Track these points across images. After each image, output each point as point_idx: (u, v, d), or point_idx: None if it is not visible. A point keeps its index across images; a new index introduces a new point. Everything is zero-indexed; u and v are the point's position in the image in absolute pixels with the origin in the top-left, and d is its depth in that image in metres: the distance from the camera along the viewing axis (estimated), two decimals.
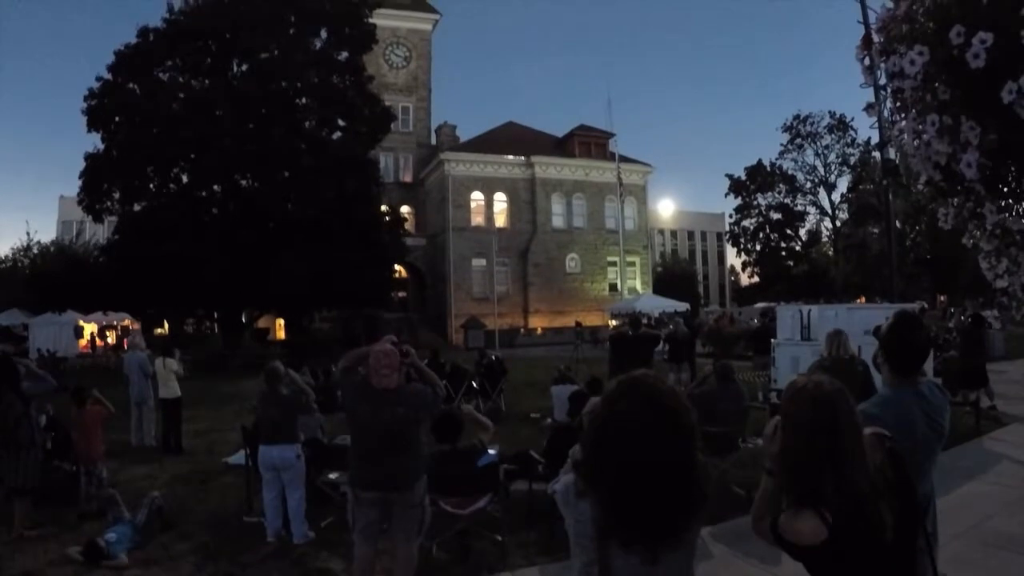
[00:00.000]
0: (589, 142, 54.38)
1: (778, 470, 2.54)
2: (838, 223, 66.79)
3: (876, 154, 42.44)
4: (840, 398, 2.44)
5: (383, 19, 47.69)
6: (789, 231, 70.66)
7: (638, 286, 53.46)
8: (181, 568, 7.19)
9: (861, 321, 15.87)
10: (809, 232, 71.55)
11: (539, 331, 48.91)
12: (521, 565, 6.97)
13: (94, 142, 34.97)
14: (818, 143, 65.83)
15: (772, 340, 17.26)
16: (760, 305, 49.64)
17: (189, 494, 9.87)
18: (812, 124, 65.42)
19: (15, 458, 7.55)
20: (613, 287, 53.17)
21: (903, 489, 2.51)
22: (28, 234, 57.16)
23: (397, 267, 44.81)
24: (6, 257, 56.85)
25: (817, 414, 2.41)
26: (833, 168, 65.96)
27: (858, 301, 49.39)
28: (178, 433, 13.01)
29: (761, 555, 6.47)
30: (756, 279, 74.36)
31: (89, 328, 39.79)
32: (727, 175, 70.51)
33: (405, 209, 51.85)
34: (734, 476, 8.89)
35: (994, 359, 21.20)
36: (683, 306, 42.14)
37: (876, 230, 57.66)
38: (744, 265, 75.20)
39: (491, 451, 7.77)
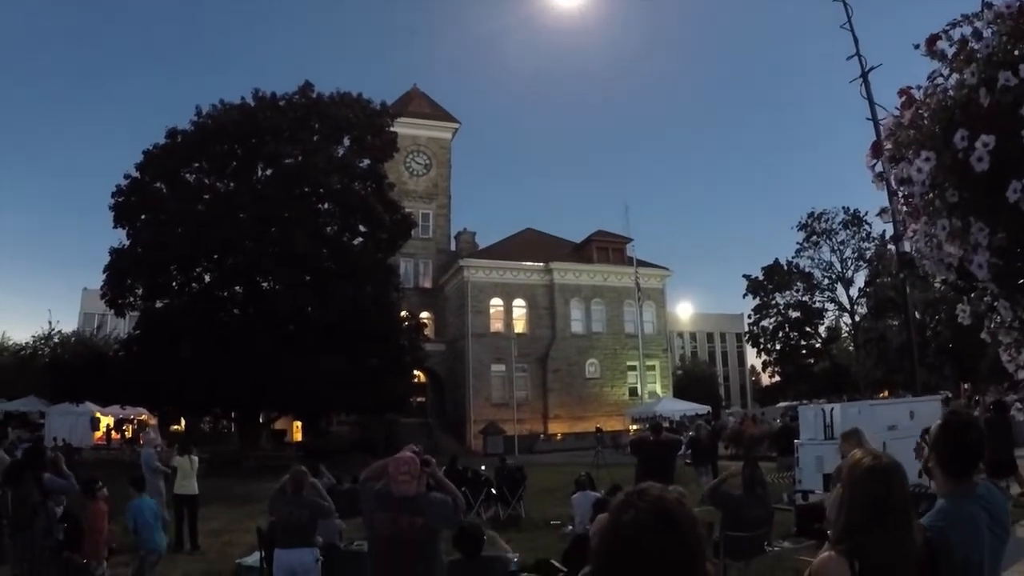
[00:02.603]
0: (607, 247, 54.78)
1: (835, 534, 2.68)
2: (857, 318, 66.30)
3: (892, 247, 42.46)
4: (895, 469, 2.63)
5: (404, 128, 48.93)
6: (808, 328, 70.18)
7: (658, 390, 53.03)
8: None
9: (883, 417, 15.75)
10: (828, 329, 71.02)
11: (559, 436, 48.41)
12: None
13: (119, 237, 35.81)
14: (833, 239, 65.78)
15: (795, 440, 17.04)
16: (782, 405, 49.17)
17: None
18: (827, 220, 65.49)
19: (28, 547, 7.53)
20: (633, 391, 52.79)
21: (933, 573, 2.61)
22: (50, 323, 57.57)
23: (416, 372, 44.76)
24: (27, 344, 57.44)
25: (873, 482, 2.59)
26: (849, 263, 65.77)
27: (881, 395, 48.78)
28: (194, 530, 12.94)
29: None
30: (777, 378, 73.65)
31: (106, 420, 39.85)
32: (744, 276, 70.47)
33: (425, 315, 52.04)
34: None
35: (1020, 445, 20.85)
36: (704, 409, 41.80)
37: (895, 323, 57.22)
38: (764, 365, 74.50)
39: (512, 557, 7.66)
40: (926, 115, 2.95)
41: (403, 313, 40.71)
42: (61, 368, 37.56)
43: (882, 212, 3.59)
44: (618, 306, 53.87)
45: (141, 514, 9.54)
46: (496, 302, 51.88)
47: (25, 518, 7.54)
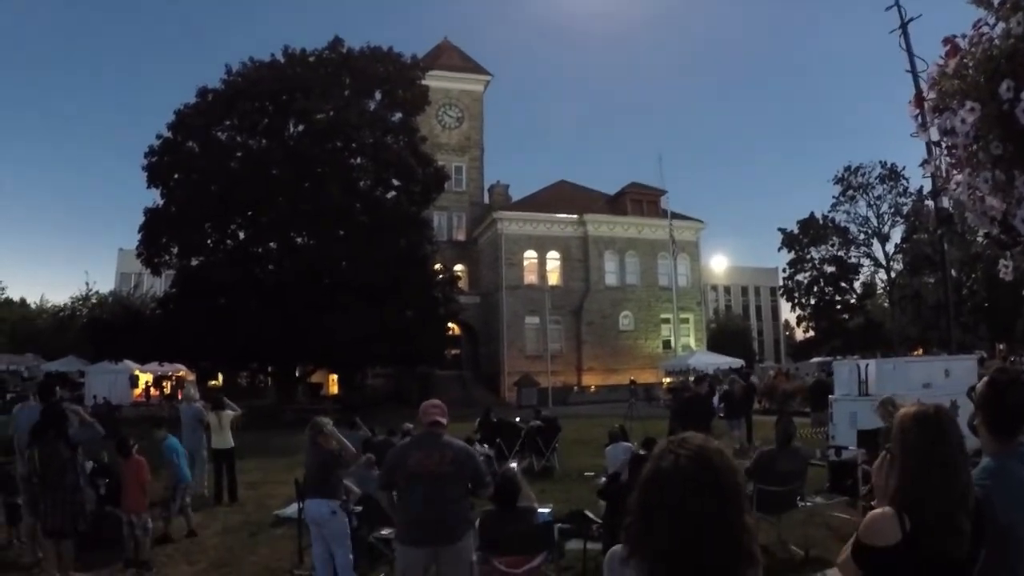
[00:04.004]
0: (641, 199, 54.35)
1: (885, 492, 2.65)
2: (892, 274, 65.51)
3: (929, 203, 41.73)
4: (946, 417, 2.60)
5: (436, 81, 48.68)
6: (843, 284, 69.52)
7: (692, 343, 52.90)
8: None
9: (918, 374, 15.64)
10: (864, 284, 70.35)
11: (592, 389, 48.59)
12: None
13: (154, 197, 36.15)
14: (870, 194, 64.75)
15: (830, 396, 16.96)
16: (815, 360, 48.87)
17: (240, 545, 9.95)
18: (863, 175, 64.43)
19: (59, 501, 7.69)
20: (667, 344, 52.71)
21: (977, 531, 2.54)
22: (87, 284, 58.56)
23: (450, 325, 44.97)
24: (65, 306, 58.55)
25: (925, 431, 2.56)
26: (886, 219, 64.78)
27: (915, 353, 48.38)
28: (233, 483, 13.15)
29: None
30: (811, 333, 73.21)
31: (144, 378, 40.54)
32: (780, 229, 69.81)
33: (458, 267, 52.24)
34: (791, 536, 8.73)
35: None
36: (738, 362, 41.66)
37: (931, 280, 56.53)
38: (799, 320, 74.09)
39: (544, 510, 7.73)
40: (971, 65, 2.88)
41: (437, 266, 40.89)
42: (99, 328, 38.10)
43: (924, 163, 3.52)
44: (652, 259, 53.67)
45: (169, 451, 9.88)
46: (530, 254, 51.91)
47: (55, 475, 7.69)
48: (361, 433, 13.08)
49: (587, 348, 51.18)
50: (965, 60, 2.91)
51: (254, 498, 13.30)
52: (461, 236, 57.09)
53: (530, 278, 51.70)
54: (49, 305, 63.42)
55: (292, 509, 10.20)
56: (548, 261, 52.40)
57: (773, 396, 29.73)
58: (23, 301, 65.39)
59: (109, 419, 10.70)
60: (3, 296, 62.40)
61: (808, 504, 9.18)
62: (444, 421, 5.82)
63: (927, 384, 14.68)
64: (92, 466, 9.72)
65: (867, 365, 16.20)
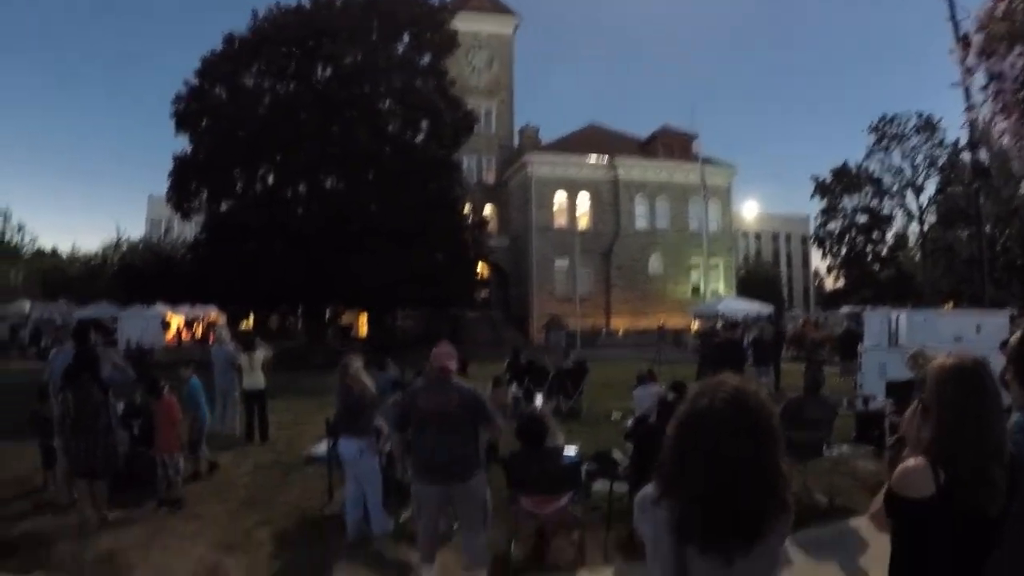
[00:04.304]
0: (672, 144, 53.71)
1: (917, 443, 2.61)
2: (925, 226, 64.50)
3: (966, 155, 40.94)
4: (983, 368, 2.55)
5: (464, 23, 48.18)
6: (875, 234, 68.67)
7: (721, 289, 52.59)
8: (260, 554, 7.39)
9: (949, 328, 15.51)
10: (896, 235, 69.32)
11: (621, 333, 48.61)
12: (599, 564, 6.96)
13: (182, 144, 36.28)
14: (905, 144, 63.52)
15: (859, 346, 16.88)
16: (845, 309, 48.50)
17: (271, 483, 10.12)
18: (899, 125, 63.12)
19: (92, 443, 7.85)
20: (696, 290, 52.46)
21: (1012, 486, 2.49)
22: (118, 232, 59.18)
23: (480, 266, 45.04)
24: (96, 254, 59.18)
25: (961, 381, 2.51)
26: (921, 170, 63.49)
27: (946, 307, 47.93)
28: (264, 423, 13.31)
29: (840, 562, 6.36)
30: (841, 283, 72.59)
31: (176, 321, 40.95)
32: (812, 177, 68.87)
33: (488, 210, 52.15)
34: (817, 484, 8.75)
35: None
36: (768, 308, 41.45)
37: (965, 234, 55.70)
38: (829, 269, 73.44)
39: (571, 450, 7.79)
40: (1020, 8, 2.81)
41: (466, 209, 40.78)
42: (131, 275, 38.41)
43: (968, 109, 3.46)
44: (683, 203, 53.19)
45: (192, 392, 10.12)
46: (560, 197, 51.70)
47: (88, 418, 7.82)
48: (391, 374, 13.19)
49: (616, 292, 51.15)
50: (1014, 3, 2.84)
51: (285, 438, 13.45)
52: (491, 179, 56.98)
53: (560, 221, 51.56)
54: (80, 253, 64.19)
55: (322, 448, 10.33)
56: (578, 204, 52.15)
57: (802, 344, 29.55)
58: (54, 251, 66.23)
59: (141, 363, 10.78)
60: (34, 246, 63.10)
61: (834, 453, 9.19)
62: (453, 366, 6.16)
63: (958, 338, 14.55)
64: (124, 407, 9.91)
65: (898, 316, 16.09)
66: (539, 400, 9.77)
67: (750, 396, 2.26)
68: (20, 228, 59.80)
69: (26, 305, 45.32)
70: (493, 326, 46.60)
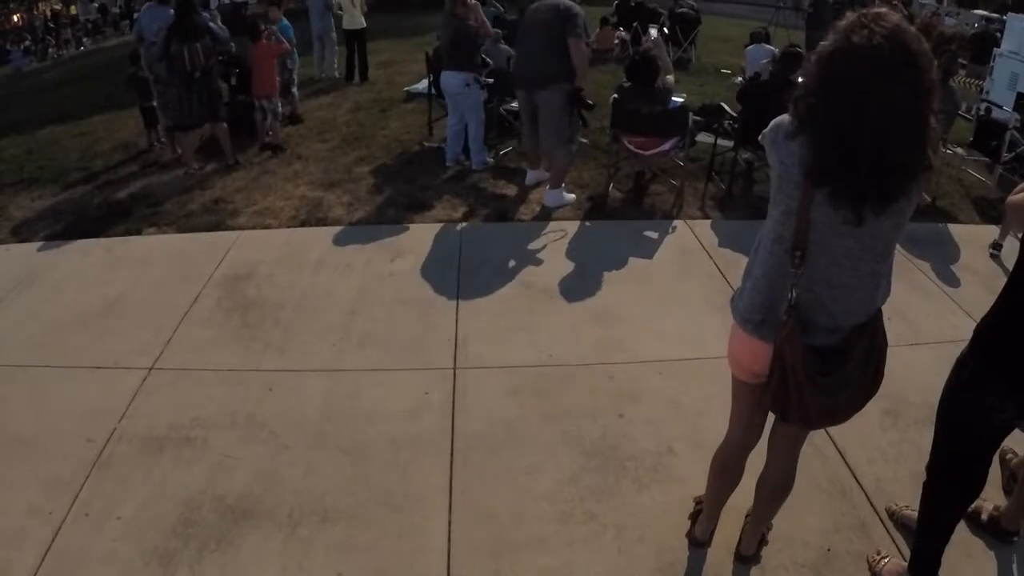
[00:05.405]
0: None
1: None
2: None
3: None
4: None
5: None
6: None
7: None
8: (361, 188, 7.51)
9: None
10: None
11: None
12: (695, 216, 6.86)
13: None
14: None
15: (995, 49, 15.33)
16: (980, 12, 44.21)
17: (371, 121, 10.07)
18: None
19: (209, 94, 7.90)
20: None
21: None
22: None
23: None
24: None
25: None
26: None
27: None
28: (364, 62, 13.03)
29: (931, 258, 6.15)
30: None
31: None
32: None
33: None
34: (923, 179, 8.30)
35: None
36: None
37: None
38: None
39: (679, 98, 7.49)
40: None
41: None
42: None
43: None
44: None
45: (282, 31, 9.82)
46: None
47: (203, 70, 7.69)
48: (492, 10, 12.76)
49: None
50: None
51: (384, 77, 13.22)
52: None
53: None
54: None
55: (422, 85, 10.22)
56: None
57: (928, 35, 27.28)
58: None
59: (235, 17, 10.41)
60: None
61: (948, 152, 8.54)
62: None
63: None
64: (222, 60, 9.74)
65: None
66: (653, 33, 9.17)
67: (912, 38, 1.92)
68: None
69: None
70: None
